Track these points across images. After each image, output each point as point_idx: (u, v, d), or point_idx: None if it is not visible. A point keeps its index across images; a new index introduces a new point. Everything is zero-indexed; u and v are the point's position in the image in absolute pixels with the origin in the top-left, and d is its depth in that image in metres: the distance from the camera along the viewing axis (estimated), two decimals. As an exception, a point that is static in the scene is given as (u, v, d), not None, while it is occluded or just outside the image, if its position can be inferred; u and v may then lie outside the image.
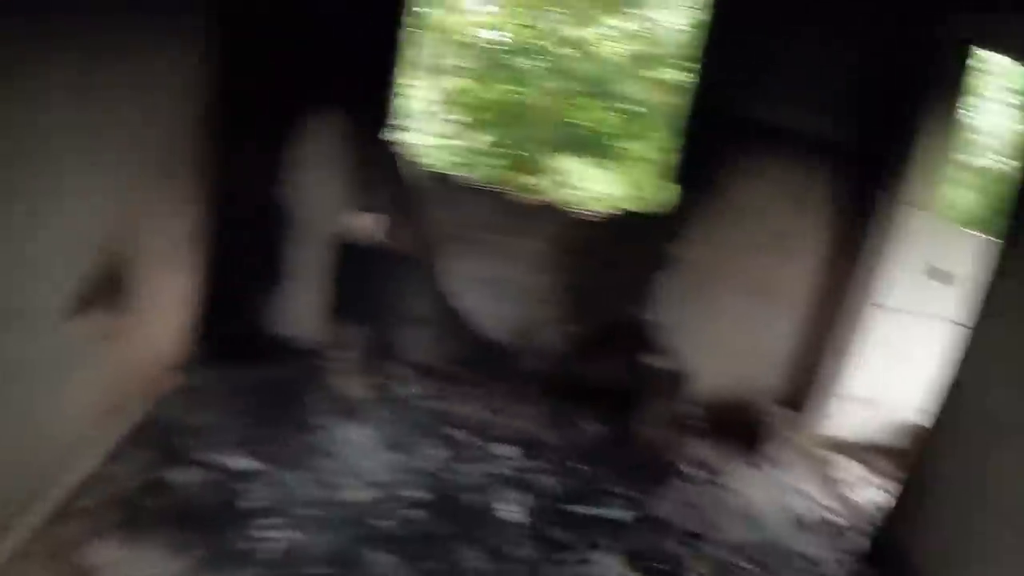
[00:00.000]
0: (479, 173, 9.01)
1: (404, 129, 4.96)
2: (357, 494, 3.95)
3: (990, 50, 5.27)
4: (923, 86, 5.09)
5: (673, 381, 4.83)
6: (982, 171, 8.54)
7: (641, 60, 9.30)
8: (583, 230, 5.19)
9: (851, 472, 5.59)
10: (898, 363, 5.79)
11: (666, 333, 5.33)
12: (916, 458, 4.43)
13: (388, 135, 4.90)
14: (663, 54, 9.20)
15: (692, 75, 5.15)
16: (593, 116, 9.27)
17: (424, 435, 4.62)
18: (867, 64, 5.14)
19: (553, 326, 5.37)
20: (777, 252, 5.42)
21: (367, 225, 4.97)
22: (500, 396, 5.28)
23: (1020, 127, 8.48)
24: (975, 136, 8.70)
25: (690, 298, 5.41)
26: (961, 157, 7.94)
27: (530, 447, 4.76)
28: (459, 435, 4.73)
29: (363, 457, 4.27)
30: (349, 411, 4.61)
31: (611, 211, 5.42)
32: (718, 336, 5.56)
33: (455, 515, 3.99)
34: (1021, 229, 3.96)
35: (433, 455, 4.45)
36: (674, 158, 5.27)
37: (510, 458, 4.63)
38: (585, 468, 4.70)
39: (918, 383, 5.73)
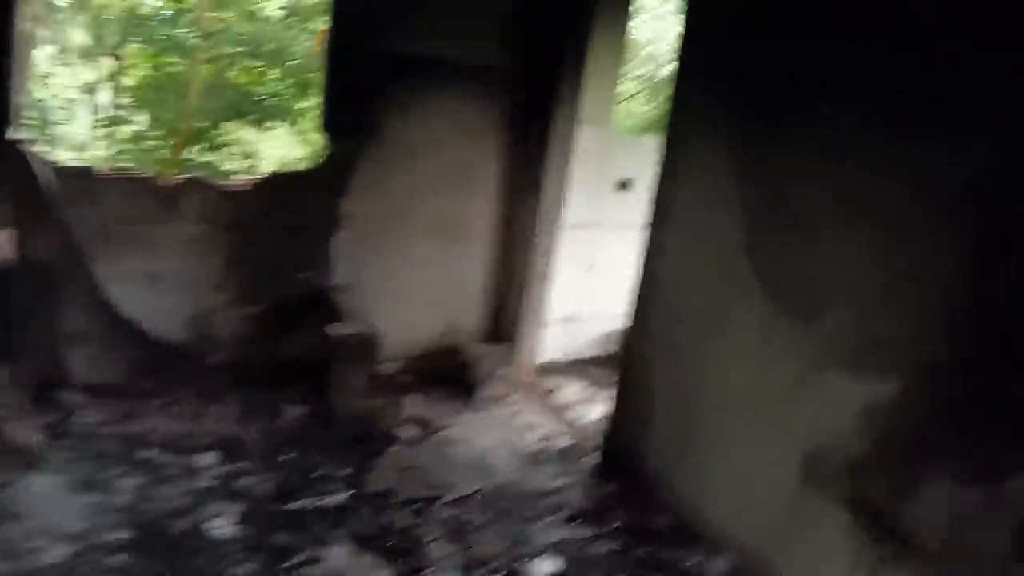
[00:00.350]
0: (139, 158, 8.14)
1: (35, 126, 4.10)
2: (53, 554, 3.35)
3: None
4: (584, 3, 4.96)
5: (367, 343, 4.44)
6: (649, 80, 8.89)
7: (301, 13, 8.75)
8: (236, 202, 4.63)
9: (573, 394, 5.57)
10: (597, 277, 5.87)
11: (351, 294, 4.94)
12: (621, 364, 4.45)
13: (11, 136, 4.06)
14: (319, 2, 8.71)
15: (329, 13, 4.70)
16: (258, 79, 8.63)
17: (116, 465, 4.01)
18: None
19: (228, 312, 4.82)
20: (455, 189, 5.22)
21: (-3, 243, 4.12)
22: (189, 401, 4.73)
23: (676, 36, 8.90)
24: (642, 47, 9.06)
25: (370, 252, 5.08)
26: (631, 69, 8.20)
27: (231, 449, 4.29)
28: (154, 455, 4.15)
29: (53, 509, 3.63)
30: (27, 460, 3.87)
31: (261, 176, 4.88)
32: (408, 286, 5.31)
33: (163, 548, 3.48)
34: (676, 132, 3.98)
35: (129, 486, 3.87)
36: (324, 103, 4.82)
37: (212, 467, 4.12)
38: (293, 457, 4.27)
39: (618, 292, 5.91)
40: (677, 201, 3.99)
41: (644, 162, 5.65)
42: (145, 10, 8.78)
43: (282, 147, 9.85)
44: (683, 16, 4.00)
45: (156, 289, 4.62)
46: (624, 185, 5.79)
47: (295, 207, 4.75)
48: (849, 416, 3.02)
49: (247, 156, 10.11)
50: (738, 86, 3.58)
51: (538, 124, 5.11)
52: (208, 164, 8.57)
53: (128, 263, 4.51)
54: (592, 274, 5.90)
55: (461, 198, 5.24)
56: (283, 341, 4.96)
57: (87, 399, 4.55)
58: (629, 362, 4.42)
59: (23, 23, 3.97)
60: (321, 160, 4.82)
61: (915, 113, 2.77)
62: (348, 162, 4.79)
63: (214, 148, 8.48)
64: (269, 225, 4.72)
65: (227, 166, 9.24)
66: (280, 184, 4.71)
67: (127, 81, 9.14)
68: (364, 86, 4.69)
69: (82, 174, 4.33)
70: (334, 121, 4.73)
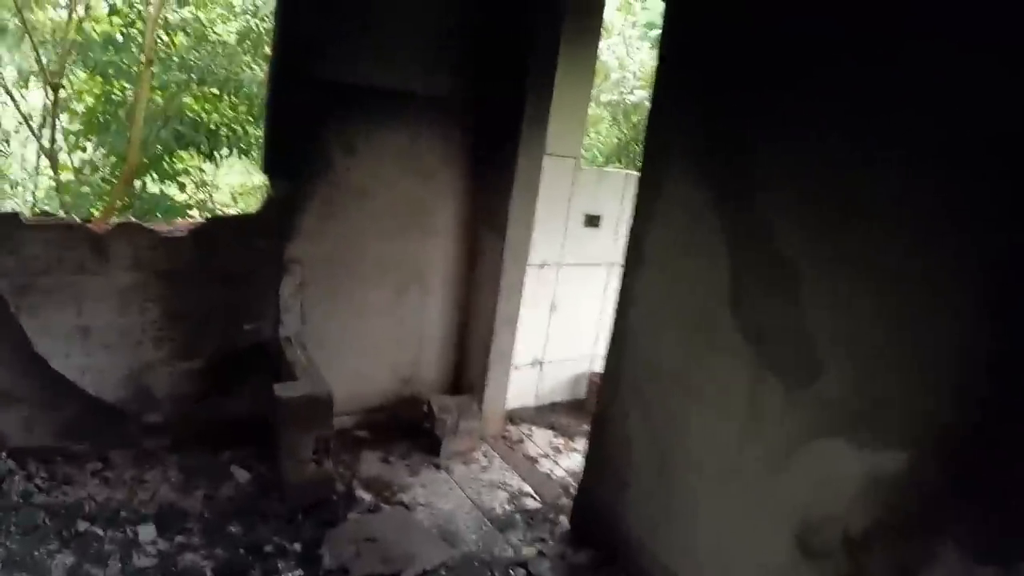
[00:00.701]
0: (82, 193, 7.73)
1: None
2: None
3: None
4: (548, 25, 4.65)
5: (319, 405, 4.07)
6: (617, 107, 8.65)
7: (254, 39, 8.40)
8: (173, 249, 4.25)
9: (542, 443, 5.26)
10: (562, 317, 5.61)
11: (300, 345, 4.56)
12: (594, 421, 4.14)
13: None
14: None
15: (274, 38, 4.33)
16: (209, 107, 8.25)
17: (47, 540, 3.64)
18: (480, 7, 4.69)
19: (166, 368, 4.43)
20: (410, 229, 4.89)
21: None
22: (126, 465, 4.35)
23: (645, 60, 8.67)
24: (609, 72, 8.81)
25: (320, 300, 4.71)
26: (597, 95, 7.93)
27: (172, 521, 3.93)
28: (88, 528, 3.78)
29: (-23, 594, 3.26)
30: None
31: (198, 221, 4.50)
32: (362, 334, 4.96)
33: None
34: (653, 168, 3.68)
35: (61, 564, 3.49)
36: (265, 141, 4.45)
37: (152, 541, 3.75)
38: (240, 530, 3.90)
39: (584, 333, 5.88)
40: (653, 245, 3.68)
41: (613, 195, 5.57)
42: (91, 35, 8.38)
43: (237, 176, 9.51)
44: (660, 40, 3.70)
45: (87, 344, 4.23)
46: (592, 220, 5.55)
47: (237, 253, 4.38)
48: (848, 487, 2.72)
49: (201, 185, 9.74)
50: (721, 117, 3.28)
51: (500, 157, 4.77)
52: (157, 196, 8.15)
53: (56, 316, 4.11)
54: (557, 314, 5.62)
55: (417, 239, 4.90)
56: (226, 399, 4.59)
57: (15, 464, 4.18)
58: (602, 418, 4.10)
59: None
60: (263, 202, 4.46)
61: (924, 160, 2.47)
62: (293, 204, 4.42)
63: (165, 178, 8.08)
64: (209, 273, 4.34)
65: (179, 197, 8.87)
66: (220, 229, 4.33)
67: (71, 110, 8.73)
68: (308, 120, 4.32)
69: (4, 220, 3.94)
70: (276, 160, 4.36)
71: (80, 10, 8.20)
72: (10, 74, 9.88)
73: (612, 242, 5.67)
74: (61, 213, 8.05)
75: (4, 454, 4.19)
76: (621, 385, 3.91)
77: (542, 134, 4.76)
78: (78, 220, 4.14)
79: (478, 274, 5.12)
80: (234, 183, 11.10)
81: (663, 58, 3.63)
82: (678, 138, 3.53)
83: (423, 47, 4.53)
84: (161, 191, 8.28)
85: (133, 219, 4.25)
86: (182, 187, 8.77)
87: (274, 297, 4.53)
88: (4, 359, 4.07)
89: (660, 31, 3.72)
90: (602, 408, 4.10)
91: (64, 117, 8.75)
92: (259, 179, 10.54)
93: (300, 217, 4.45)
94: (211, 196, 9.62)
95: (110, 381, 4.35)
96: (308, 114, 4.30)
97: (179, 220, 4.46)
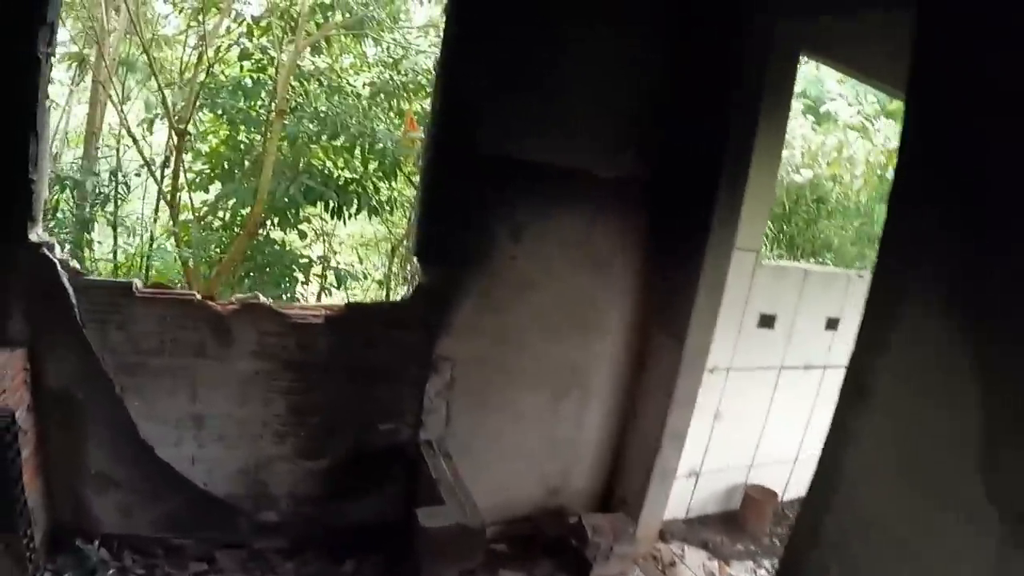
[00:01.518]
0: (201, 240, 7.49)
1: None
2: None
3: (816, 58, 4.56)
4: (745, 103, 4.09)
5: (468, 538, 3.54)
6: (784, 189, 8.02)
7: (388, 91, 8.11)
8: (304, 336, 3.81)
9: (695, 566, 4.67)
10: (727, 426, 5.13)
11: (442, 453, 4.05)
12: (782, 567, 3.53)
13: (34, 238, 3.36)
14: (415, 83, 8.08)
15: (435, 105, 3.87)
16: (338, 161, 7.99)
17: None
18: (669, 83, 4.20)
19: (286, 464, 3.99)
20: (574, 328, 4.36)
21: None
22: (234, 567, 3.93)
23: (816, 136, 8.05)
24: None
25: (468, 403, 4.20)
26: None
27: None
28: None
29: None
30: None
31: (336, 305, 4.06)
32: (511, 441, 4.43)
33: None
34: (890, 285, 3.05)
35: None
36: (418, 220, 4.01)
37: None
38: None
39: (749, 442, 5.38)
40: (880, 379, 3.04)
41: (789, 293, 5.04)
42: (220, 78, 8.23)
43: (356, 224, 9.24)
44: (903, 138, 3.09)
45: (200, 433, 3.82)
46: (767, 321, 5.01)
47: (378, 346, 3.91)
48: None
49: (321, 234, 9.52)
50: (986, 235, 2.65)
51: (684, 249, 4.23)
52: (279, 250, 7.86)
53: (167, 401, 3.72)
54: (720, 422, 5.03)
55: (582, 339, 4.37)
56: (353, 503, 4.11)
57: (108, 555, 3.79)
58: (793, 569, 3.46)
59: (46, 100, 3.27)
60: (412, 291, 4.00)
61: None
62: (446, 295, 3.94)
63: (287, 227, 7.81)
64: (344, 366, 3.88)
65: (298, 243, 8.62)
66: (360, 317, 3.88)
67: (196, 151, 8.60)
68: (470, 199, 3.85)
69: (115, 290, 3.58)
70: (430, 243, 3.91)
71: (210, 52, 8.05)
72: (137, 108, 9.89)
73: (783, 345, 5.15)
74: (177, 260, 7.86)
75: (96, 543, 3.81)
76: (822, 536, 3.27)
77: (733, 225, 4.21)
78: (198, 296, 3.75)
79: (646, 380, 4.57)
80: (354, 232, 10.85)
81: (906, 160, 3.03)
82: (924, 254, 2.91)
83: (606, 122, 4.05)
84: (283, 241, 8.00)
85: (261, 299, 3.84)
86: (303, 235, 8.48)
87: (417, 396, 4.04)
88: (104, 440, 3.70)
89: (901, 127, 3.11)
90: (793, 557, 3.47)
91: (188, 156, 8.65)
92: (380, 229, 10.25)
93: (454, 310, 3.96)
94: (333, 249, 9.37)
95: (222, 474, 3.93)
96: (471, 192, 3.84)
97: (311, 304, 4.04)
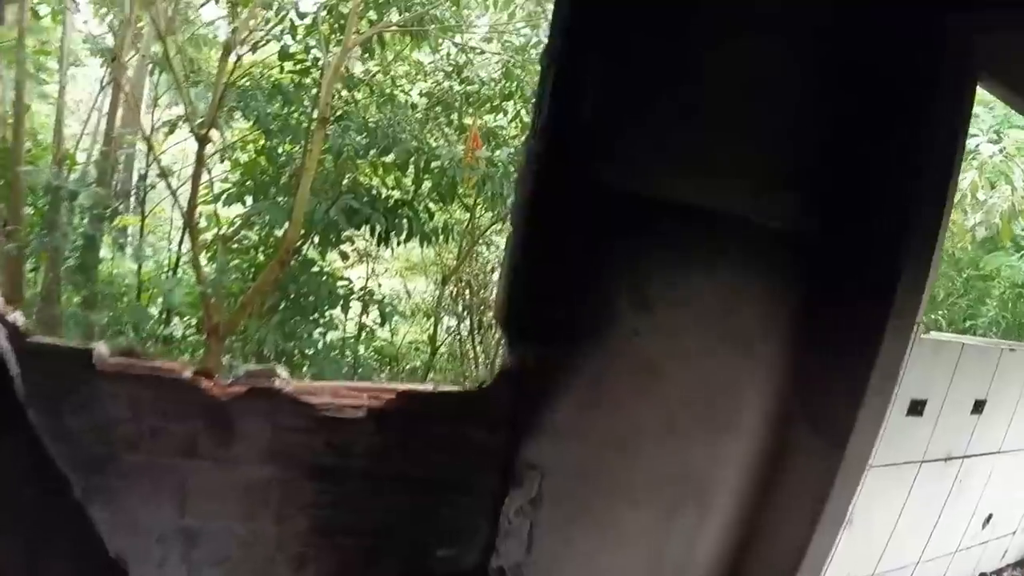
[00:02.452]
0: (224, 264, 6.51)
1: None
2: None
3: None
4: (936, 141, 3.10)
5: None
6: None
7: (449, 103, 7.15)
8: (339, 433, 2.76)
9: None
10: (857, 532, 4.18)
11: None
12: None
13: None
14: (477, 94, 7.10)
15: (539, 121, 2.81)
16: (390, 179, 7.05)
17: None
18: (846, 112, 3.15)
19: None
20: (698, 425, 3.26)
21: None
22: None
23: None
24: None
25: (556, 523, 3.11)
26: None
27: None
28: None
29: None
30: None
31: (392, 392, 2.99)
32: (603, 571, 3.32)
33: None
34: None
35: None
36: (509, 278, 2.93)
37: None
38: None
39: (874, 554, 4.61)
40: None
41: (943, 374, 4.23)
42: (258, 80, 7.26)
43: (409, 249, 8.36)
44: None
45: (192, 552, 2.80)
46: (916, 407, 4.12)
47: (439, 447, 2.86)
48: None
49: (365, 256, 8.62)
50: None
51: (853, 326, 3.18)
52: (315, 276, 6.90)
53: (146, 510, 2.72)
54: (850, 529, 4.07)
55: (704, 439, 3.28)
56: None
57: None
58: None
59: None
60: (493, 377, 2.93)
61: None
62: (541, 382, 2.86)
63: (327, 247, 6.89)
64: (393, 473, 2.83)
65: (338, 263, 7.70)
66: (417, 408, 2.82)
67: (234, 161, 7.71)
68: (583, 253, 2.80)
69: (73, 359, 2.57)
70: (523, 311, 2.83)
71: (242, 49, 7.07)
72: (172, 113, 9.04)
73: (928, 434, 4.31)
74: (196, 285, 6.89)
75: None
76: None
77: (917, 296, 3.16)
78: (188, 373, 2.71)
79: (783, 493, 3.51)
80: (399, 253, 10.01)
81: None
82: None
83: (766, 158, 2.98)
84: (321, 268, 7.02)
85: (278, 377, 2.79)
86: (344, 256, 7.53)
87: (490, 514, 2.96)
88: (61, 554, 2.69)
89: None
90: None
91: (219, 168, 7.75)
92: (428, 251, 9.34)
93: (550, 404, 2.88)
94: (377, 276, 8.48)
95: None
96: (584, 240, 2.78)
97: (349, 386, 2.96)
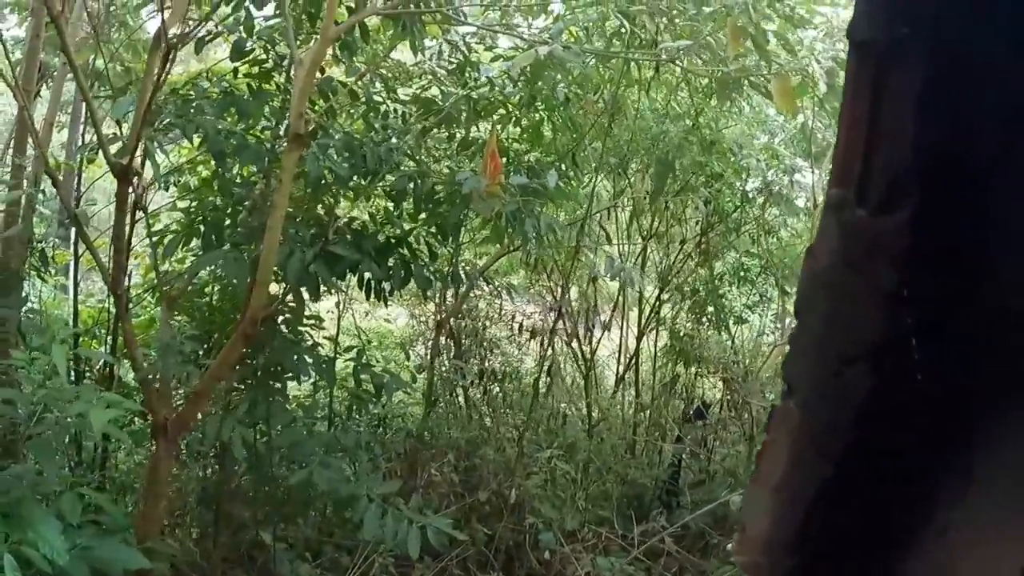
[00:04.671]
0: (167, 354, 4.94)
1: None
2: None
3: None
4: None
5: None
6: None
7: (451, 114, 5.67)
8: None
9: None
10: None
11: None
12: None
13: None
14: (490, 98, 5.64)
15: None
16: (383, 214, 5.56)
17: None
18: None
19: None
20: None
21: None
22: None
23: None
24: None
25: None
26: None
27: None
28: None
29: None
30: None
31: None
32: None
33: None
34: None
35: None
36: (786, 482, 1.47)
37: None
38: None
39: None
40: None
41: None
42: (207, 90, 5.68)
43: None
44: None
45: None
46: None
47: None
48: None
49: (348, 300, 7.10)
50: None
51: None
52: (292, 342, 5.39)
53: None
54: None
55: None
56: None
57: None
58: None
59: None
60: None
61: None
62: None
63: (301, 311, 5.42)
64: None
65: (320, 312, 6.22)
66: None
67: (180, 193, 6.20)
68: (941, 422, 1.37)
69: None
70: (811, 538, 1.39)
71: (182, 48, 5.49)
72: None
73: None
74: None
75: None
76: None
77: None
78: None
79: None
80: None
81: None
82: None
83: None
84: (297, 335, 5.50)
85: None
86: (319, 321, 6.02)
87: None
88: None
89: None
90: None
91: (161, 197, 6.23)
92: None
93: None
94: (363, 334, 7.00)
95: None
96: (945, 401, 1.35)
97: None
